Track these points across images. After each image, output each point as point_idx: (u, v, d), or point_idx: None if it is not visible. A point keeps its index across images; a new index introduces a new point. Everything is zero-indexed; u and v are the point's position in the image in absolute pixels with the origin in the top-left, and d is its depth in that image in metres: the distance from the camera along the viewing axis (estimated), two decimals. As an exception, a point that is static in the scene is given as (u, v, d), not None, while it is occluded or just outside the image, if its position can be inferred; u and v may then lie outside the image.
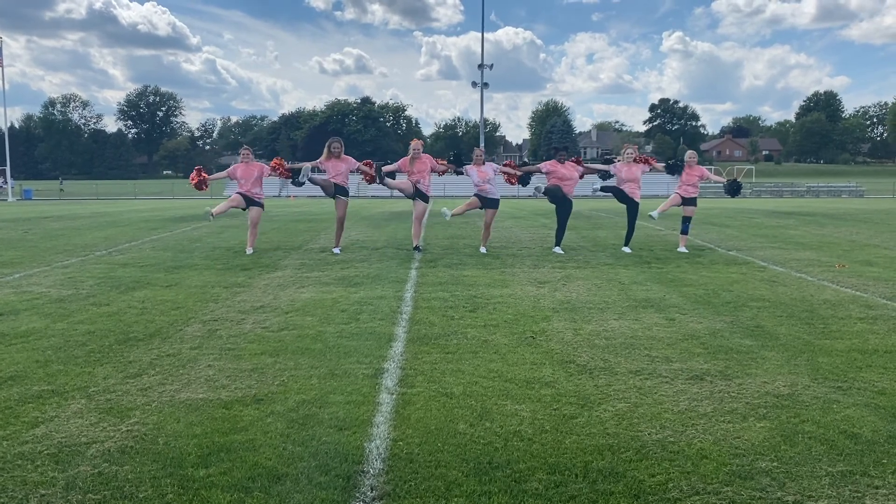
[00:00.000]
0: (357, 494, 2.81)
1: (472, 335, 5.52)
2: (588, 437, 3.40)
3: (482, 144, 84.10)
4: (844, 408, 3.81)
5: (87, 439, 3.37)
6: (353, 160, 11.17)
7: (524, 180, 11.60)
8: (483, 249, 11.35)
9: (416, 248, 11.40)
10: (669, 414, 3.72)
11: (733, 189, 12.21)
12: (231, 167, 11.57)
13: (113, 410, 3.78)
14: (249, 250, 11.15)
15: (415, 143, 11.41)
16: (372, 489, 2.85)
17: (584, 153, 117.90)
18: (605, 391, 4.11)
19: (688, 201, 11.65)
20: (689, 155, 11.91)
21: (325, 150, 11.00)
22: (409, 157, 11.29)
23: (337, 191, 11.09)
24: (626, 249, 11.34)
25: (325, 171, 11.08)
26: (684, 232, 11.74)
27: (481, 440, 3.36)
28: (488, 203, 11.35)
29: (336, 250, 11.25)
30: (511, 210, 25.44)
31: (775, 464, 3.09)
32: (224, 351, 5.03)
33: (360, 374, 4.45)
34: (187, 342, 5.30)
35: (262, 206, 11.40)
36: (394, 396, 4.00)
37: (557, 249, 11.25)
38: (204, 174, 11.43)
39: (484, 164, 11.37)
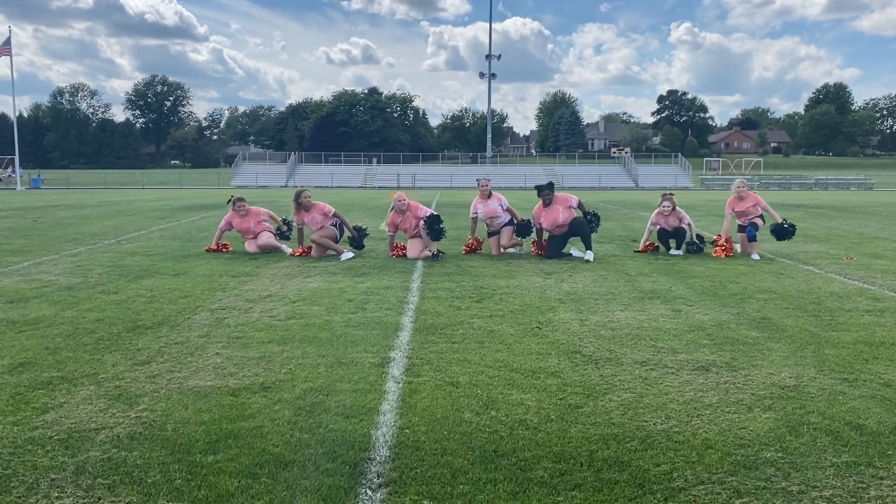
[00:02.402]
0: (363, 481, 2.83)
1: (479, 325, 5.54)
2: (593, 426, 3.42)
3: (489, 135, 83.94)
4: (850, 399, 3.81)
5: (96, 425, 3.40)
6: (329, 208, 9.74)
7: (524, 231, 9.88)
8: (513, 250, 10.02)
9: (435, 255, 9.52)
10: (675, 404, 3.73)
11: (781, 234, 10.09)
12: (223, 221, 10.40)
13: (122, 397, 3.82)
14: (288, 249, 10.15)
15: (396, 196, 9.67)
16: (378, 476, 2.87)
17: (592, 144, 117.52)
18: (610, 381, 4.12)
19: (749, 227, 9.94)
20: (738, 184, 10.14)
21: (294, 205, 9.79)
22: (392, 212, 9.69)
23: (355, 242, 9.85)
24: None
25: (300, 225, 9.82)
26: (751, 238, 9.85)
27: (487, 429, 3.38)
28: (498, 231, 9.95)
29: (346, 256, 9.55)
30: (518, 202, 25.41)
31: (780, 454, 3.10)
32: (232, 339, 5.06)
33: (366, 362, 4.47)
34: (195, 330, 5.33)
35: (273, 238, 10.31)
36: (400, 385, 4.02)
37: (588, 255, 9.36)
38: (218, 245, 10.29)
39: (490, 196, 9.89)
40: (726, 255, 9.67)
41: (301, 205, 9.67)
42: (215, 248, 10.19)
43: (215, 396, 3.83)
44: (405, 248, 9.69)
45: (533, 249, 9.99)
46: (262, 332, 5.29)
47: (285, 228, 10.56)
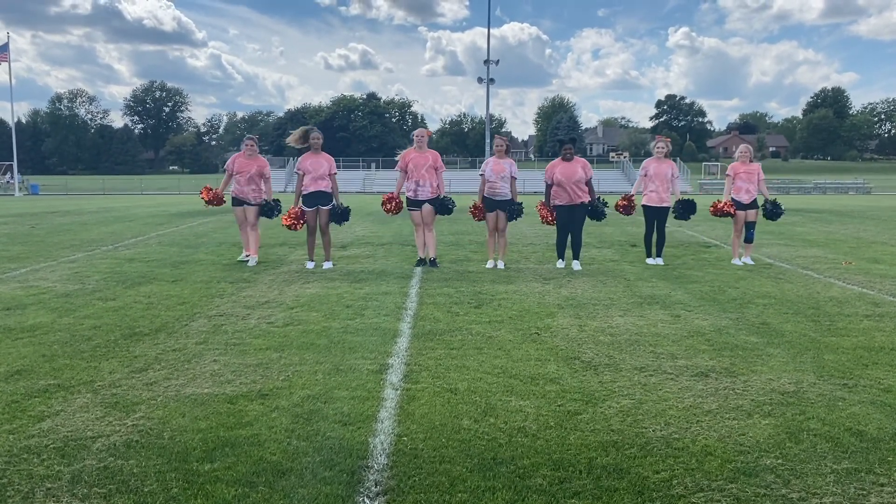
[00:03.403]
0: (361, 489, 2.82)
1: (477, 331, 5.52)
2: (592, 433, 3.40)
3: (488, 140, 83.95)
4: (850, 405, 3.80)
5: (92, 433, 3.38)
6: (332, 159, 9.13)
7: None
8: (500, 264, 9.17)
9: (433, 261, 9.31)
10: (674, 411, 3.72)
11: (772, 215, 9.80)
12: (229, 160, 9.67)
13: (118, 405, 3.80)
14: (253, 260, 9.47)
15: (419, 133, 9.18)
16: (376, 484, 2.86)
17: (591, 149, 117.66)
18: (609, 388, 4.10)
19: (749, 206, 9.53)
20: (743, 150, 9.65)
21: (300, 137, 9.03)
22: (412, 148, 9.08)
23: (319, 200, 9.00)
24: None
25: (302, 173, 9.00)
26: (748, 240, 9.66)
27: (485, 436, 3.36)
28: (500, 204, 9.03)
29: (310, 264, 9.13)
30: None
31: (780, 461, 3.08)
32: (229, 346, 5.04)
33: (364, 369, 4.46)
34: (193, 337, 5.31)
35: (259, 206, 9.61)
36: (398, 392, 4.01)
37: (574, 265, 9.10)
38: (214, 191, 9.81)
39: (506, 155, 9.07)
40: (721, 213, 9.44)
41: (311, 146, 8.95)
42: (213, 195, 9.68)
43: (212, 404, 3.81)
44: (399, 204, 9.25)
45: (540, 210, 9.19)
46: (259, 338, 5.27)
47: (273, 204, 9.63)
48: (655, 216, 9.60)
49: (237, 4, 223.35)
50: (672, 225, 16.30)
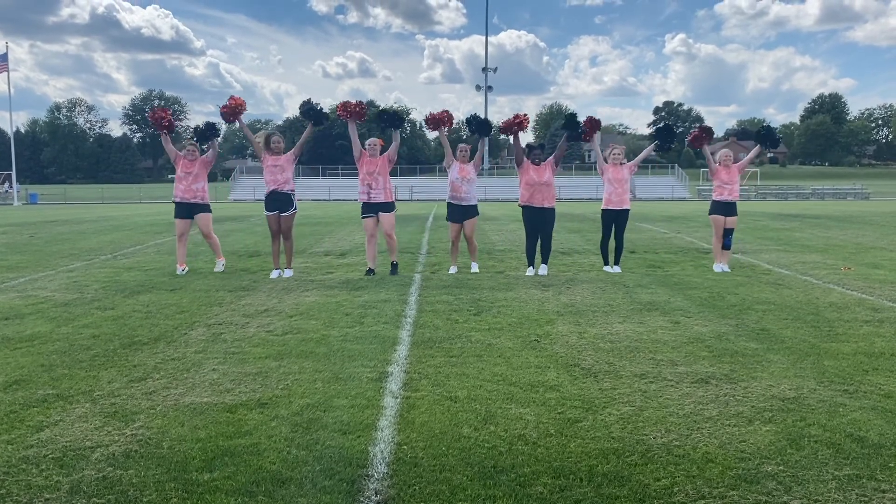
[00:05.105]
0: (361, 499, 2.80)
1: (477, 339, 5.52)
2: (593, 440, 3.39)
3: (486, 147, 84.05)
4: (851, 411, 3.79)
5: (91, 443, 3.37)
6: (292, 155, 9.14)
7: None
8: (474, 266, 9.54)
9: (394, 266, 9.50)
10: (674, 417, 3.71)
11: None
12: (176, 154, 9.47)
13: (117, 414, 3.78)
14: (220, 265, 9.58)
15: (371, 142, 9.37)
16: (376, 493, 2.84)
17: (589, 156, 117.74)
18: (609, 395, 4.09)
19: (729, 210, 9.53)
20: (724, 155, 9.61)
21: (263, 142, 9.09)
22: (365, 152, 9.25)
23: (279, 206, 9.00)
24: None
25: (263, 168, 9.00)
26: (726, 247, 9.56)
27: (486, 444, 3.35)
28: (465, 212, 9.41)
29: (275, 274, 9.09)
30: (515, 213, 25.40)
31: (781, 468, 3.07)
32: (228, 355, 5.03)
33: (364, 377, 4.45)
34: (192, 346, 5.30)
35: (208, 209, 9.55)
36: (398, 400, 4.00)
37: (540, 270, 9.33)
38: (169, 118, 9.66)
39: (469, 161, 9.55)
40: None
41: (272, 150, 9.01)
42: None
43: (212, 413, 3.80)
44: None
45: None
46: (258, 347, 5.26)
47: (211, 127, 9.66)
48: (614, 220, 9.67)
49: (235, 13, 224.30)
50: (671, 231, 16.33)
